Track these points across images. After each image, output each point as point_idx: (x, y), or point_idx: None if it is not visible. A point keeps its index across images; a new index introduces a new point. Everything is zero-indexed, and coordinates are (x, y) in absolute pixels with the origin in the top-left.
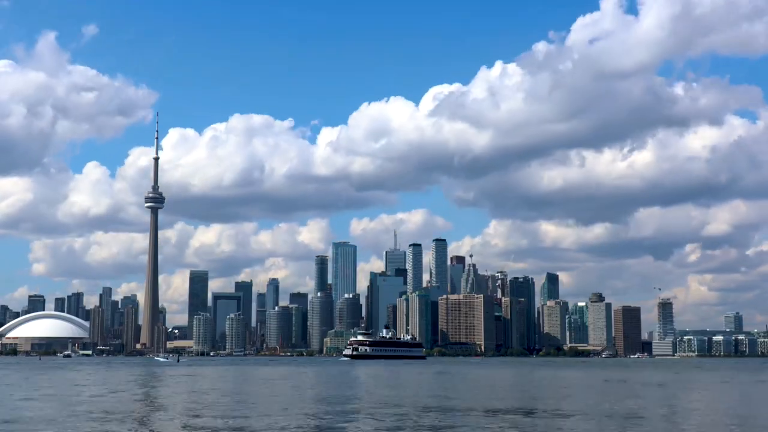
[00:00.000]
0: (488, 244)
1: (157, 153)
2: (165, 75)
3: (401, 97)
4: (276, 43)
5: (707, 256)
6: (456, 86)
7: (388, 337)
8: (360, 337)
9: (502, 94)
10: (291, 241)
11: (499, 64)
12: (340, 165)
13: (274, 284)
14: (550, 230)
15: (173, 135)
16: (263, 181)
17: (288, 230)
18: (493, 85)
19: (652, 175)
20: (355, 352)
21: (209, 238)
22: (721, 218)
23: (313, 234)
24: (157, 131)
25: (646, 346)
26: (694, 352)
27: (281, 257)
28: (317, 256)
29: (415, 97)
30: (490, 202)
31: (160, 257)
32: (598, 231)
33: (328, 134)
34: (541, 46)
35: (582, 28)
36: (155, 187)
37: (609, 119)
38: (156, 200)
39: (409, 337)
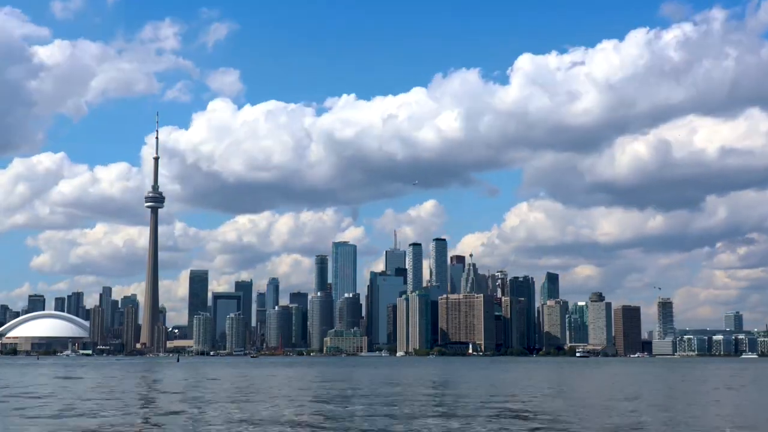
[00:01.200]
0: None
1: (157, 152)
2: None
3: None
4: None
5: None
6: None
7: None
8: None
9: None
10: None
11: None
12: (398, 145)
13: (274, 284)
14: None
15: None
16: (304, 167)
17: (312, 219)
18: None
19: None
20: None
21: (232, 228)
22: None
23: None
24: (157, 131)
25: (646, 346)
26: (694, 351)
27: (298, 250)
28: (317, 256)
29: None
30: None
31: (170, 254)
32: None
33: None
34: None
35: None
36: (155, 186)
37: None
38: (156, 200)
39: None
